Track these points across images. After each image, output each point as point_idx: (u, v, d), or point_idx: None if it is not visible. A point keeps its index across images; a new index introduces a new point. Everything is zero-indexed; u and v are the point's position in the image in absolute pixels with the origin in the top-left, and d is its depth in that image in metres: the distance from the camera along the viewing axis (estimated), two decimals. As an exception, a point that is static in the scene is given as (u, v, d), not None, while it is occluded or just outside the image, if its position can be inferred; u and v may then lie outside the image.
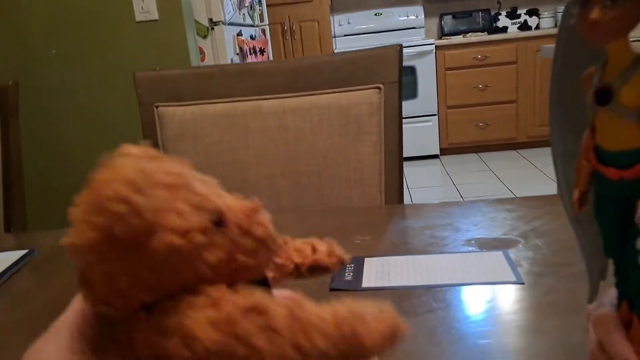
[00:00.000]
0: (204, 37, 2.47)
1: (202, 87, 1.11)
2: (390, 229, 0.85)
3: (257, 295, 0.25)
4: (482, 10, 4.58)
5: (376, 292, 0.65)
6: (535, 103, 4.26)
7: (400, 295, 0.64)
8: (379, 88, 1.00)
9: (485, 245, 0.74)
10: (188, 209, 0.24)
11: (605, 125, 0.35)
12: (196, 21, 2.44)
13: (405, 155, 4.07)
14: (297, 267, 0.34)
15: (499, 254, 0.69)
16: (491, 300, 0.61)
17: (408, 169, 4.16)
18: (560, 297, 0.59)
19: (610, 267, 0.41)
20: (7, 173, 1.16)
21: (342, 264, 0.35)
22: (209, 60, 2.49)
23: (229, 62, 2.54)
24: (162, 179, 0.24)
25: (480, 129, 4.36)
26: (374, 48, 1.05)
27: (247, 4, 2.94)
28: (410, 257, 0.72)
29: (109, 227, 0.22)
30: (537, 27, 4.53)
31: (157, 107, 1.09)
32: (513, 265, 0.66)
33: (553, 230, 0.75)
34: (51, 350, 0.26)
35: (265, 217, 0.28)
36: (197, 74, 1.13)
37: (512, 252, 0.70)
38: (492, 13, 4.59)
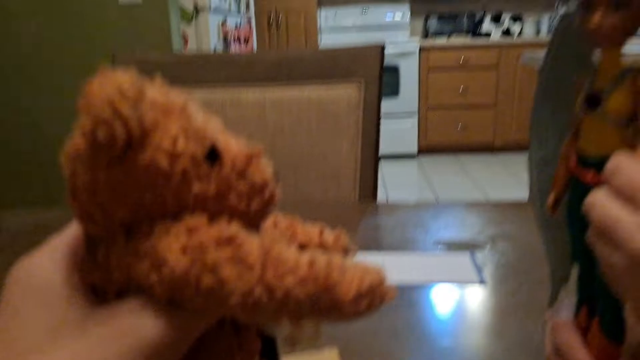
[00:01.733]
0: (188, 22, 2.44)
1: (181, 74, 1.10)
2: (362, 226, 0.86)
3: (234, 228, 0.24)
4: (467, 14, 4.62)
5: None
6: (513, 109, 4.33)
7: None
8: (359, 84, 1.01)
9: (453, 246, 0.75)
10: (180, 134, 0.24)
11: (590, 130, 0.36)
12: (180, 7, 2.41)
13: (384, 153, 4.07)
14: (300, 247, 0.33)
15: (465, 256, 0.71)
16: (455, 300, 0.63)
17: (386, 167, 4.19)
18: (521, 300, 0.61)
19: (573, 273, 0.42)
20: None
21: (346, 253, 0.33)
22: (191, 47, 2.46)
23: (212, 49, 2.52)
24: (158, 98, 0.24)
25: (459, 130, 4.41)
26: (357, 46, 1.05)
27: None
28: (379, 254, 0.73)
29: (93, 132, 0.21)
30: (520, 34, 4.60)
31: (135, 91, 1.08)
32: (478, 267, 0.68)
33: (520, 236, 0.77)
34: (45, 263, 0.25)
35: (265, 164, 0.27)
36: (177, 59, 1.12)
37: (479, 255, 0.71)
38: (477, 17, 4.63)
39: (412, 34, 4.74)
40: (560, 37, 0.39)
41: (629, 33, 0.32)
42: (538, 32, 4.71)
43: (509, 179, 3.75)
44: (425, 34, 4.71)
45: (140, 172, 0.23)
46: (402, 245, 0.77)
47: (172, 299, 0.23)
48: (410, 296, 0.63)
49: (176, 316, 0.24)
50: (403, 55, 4.23)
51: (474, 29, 4.61)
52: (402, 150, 4.39)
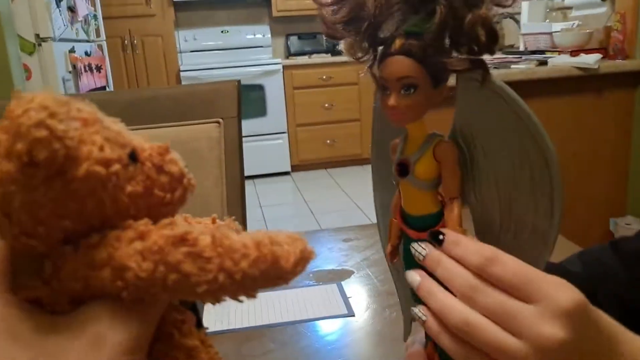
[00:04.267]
0: (30, 54, 2.25)
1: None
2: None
3: (180, 226, 0.26)
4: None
5: (216, 335, 0.64)
6: (375, 120, 4.59)
7: (240, 338, 0.64)
8: (218, 123, 1.01)
9: (322, 277, 0.78)
10: (104, 142, 0.25)
11: (406, 193, 0.39)
12: (20, 36, 2.21)
13: (257, 172, 4.07)
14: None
15: (333, 287, 0.73)
16: (325, 335, 0.64)
17: (260, 186, 4.20)
18: (385, 326, 0.64)
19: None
20: None
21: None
22: (35, 79, 2.27)
23: (60, 80, 2.34)
24: (76, 113, 0.25)
25: (328, 146, 4.57)
26: (214, 82, 1.05)
27: (80, 18, 2.74)
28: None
29: (29, 154, 0.22)
30: (375, 50, 4.90)
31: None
32: (345, 297, 0.71)
33: (382, 260, 0.81)
34: None
35: (177, 157, 0.30)
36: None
37: (346, 284, 0.74)
38: (335, 35, 4.86)
39: (275, 53, 4.83)
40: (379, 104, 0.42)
41: (421, 111, 0.36)
42: (390, 48, 5.04)
43: (378, 188, 3.97)
44: (288, 53, 4.82)
45: (79, 183, 0.24)
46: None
47: (137, 298, 0.25)
48: (282, 336, 0.64)
49: (141, 311, 0.26)
50: (267, 74, 4.28)
51: (333, 48, 4.82)
52: (275, 168, 4.43)
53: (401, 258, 0.42)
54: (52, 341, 0.24)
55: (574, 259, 0.56)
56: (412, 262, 0.42)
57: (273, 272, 0.26)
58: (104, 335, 0.24)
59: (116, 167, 0.25)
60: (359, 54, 0.35)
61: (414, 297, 0.44)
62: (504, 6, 0.35)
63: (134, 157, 0.27)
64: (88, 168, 0.24)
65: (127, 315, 0.25)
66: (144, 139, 0.29)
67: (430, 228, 0.37)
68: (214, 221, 0.32)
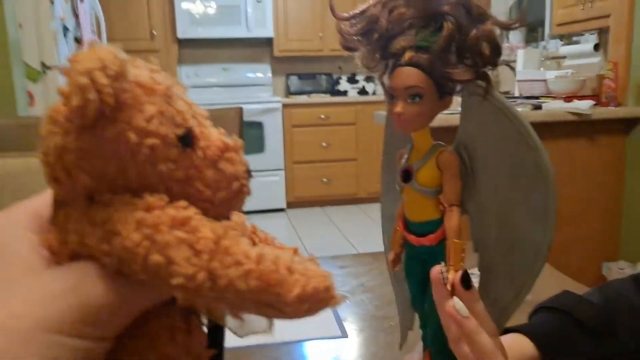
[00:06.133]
0: (34, 81, 2.28)
1: (28, 139, 1.02)
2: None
3: (191, 212, 0.24)
4: (325, 74, 4.93)
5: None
6: (373, 162, 4.63)
7: (230, 357, 0.63)
8: (216, 128, 1.02)
9: (318, 302, 0.77)
10: (157, 114, 0.24)
11: (409, 199, 0.41)
12: (26, 63, 2.25)
13: (252, 208, 4.08)
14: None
15: (327, 310, 0.73)
16: (319, 356, 0.64)
17: (256, 222, 4.16)
18: (379, 349, 0.64)
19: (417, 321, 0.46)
20: None
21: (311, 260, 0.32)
22: (38, 106, 2.30)
23: (64, 108, 2.36)
24: (143, 78, 0.24)
25: (324, 184, 4.59)
26: (217, 109, 1.07)
27: (86, 47, 2.79)
28: (245, 317, 0.72)
29: (70, 97, 0.22)
30: (374, 93, 4.99)
31: (-31, 157, 0.98)
32: (339, 319, 0.70)
33: (377, 286, 0.82)
34: (5, 222, 0.26)
35: (240, 158, 0.27)
36: (22, 124, 1.04)
37: (340, 308, 0.74)
38: (334, 77, 4.96)
39: (275, 92, 4.91)
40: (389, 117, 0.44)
41: (427, 118, 0.38)
42: (388, 91, 5.13)
43: (373, 228, 3.96)
44: (287, 92, 4.91)
45: (107, 143, 0.23)
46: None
47: (118, 269, 0.24)
48: (275, 355, 0.63)
49: (122, 285, 0.24)
50: (266, 111, 4.34)
51: (332, 88, 4.91)
52: (271, 205, 4.44)
53: (402, 266, 0.43)
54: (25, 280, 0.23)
55: (595, 290, 0.57)
56: (413, 270, 0.43)
57: (266, 295, 0.23)
58: (75, 285, 0.23)
59: (153, 141, 0.24)
60: (372, 64, 0.37)
61: (412, 305, 0.45)
62: (508, 28, 0.37)
63: (186, 140, 0.25)
64: (120, 131, 0.23)
65: (104, 281, 0.23)
66: (219, 132, 0.27)
67: (430, 234, 0.39)
68: (295, 252, 0.28)
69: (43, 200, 0.27)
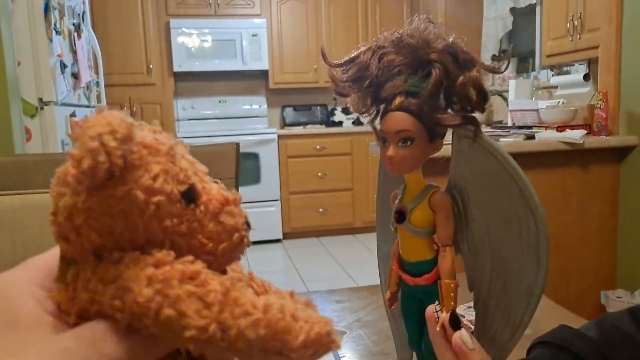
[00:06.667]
0: (32, 116, 2.30)
1: (24, 176, 1.03)
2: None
3: (198, 266, 0.25)
4: (320, 105, 4.98)
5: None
6: (368, 191, 4.64)
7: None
8: (216, 183, 1.03)
9: (315, 338, 0.77)
10: (161, 173, 0.25)
11: (403, 239, 0.41)
12: (23, 100, 2.27)
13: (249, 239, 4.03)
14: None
15: (326, 347, 0.73)
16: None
17: (252, 253, 4.16)
18: (378, 387, 0.63)
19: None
20: None
21: (307, 305, 0.33)
22: (35, 141, 2.31)
23: (59, 143, 2.38)
24: (147, 139, 0.26)
25: (320, 214, 4.59)
26: (212, 145, 1.08)
27: (83, 84, 2.83)
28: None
29: (80, 160, 0.23)
30: (368, 123, 5.04)
31: (-34, 196, 0.98)
32: (338, 357, 0.70)
33: (375, 321, 0.82)
34: (14, 279, 0.26)
35: (239, 211, 0.29)
36: (19, 161, 1.05)
37: (339, 344, 0.74)
38: (329, 108, 5.01)
39: (270, 123, 4.95)
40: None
41: (418, 161, 0.39)
42: (383, 121, 5.19)
43: (370, 258, 3.94)
44: (283, 124, 4.95)
45: (116, 202, 0.25)
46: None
47: (130, 325, 0.24)
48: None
49: (135, 340, 0.25)
50: (262, 143, 4.38)
51: (327, 119, 4.96)
52: (267, 235, 4.42)
53: (399, 305, 0.43)
54: (40, 337, 0.24)
55: (591, 324, 0.57)
56: (410, 309, 0.43)
57: (274, 343, 0.24)
58: (91, 342, 0.24)
59: (159, 198, 0.25)
60: (363, 109, 0.39)
61: (409, 345, 0.45)
62: (495, 73, 0.39)
63: (189, 196, 0.27)
64: (129, 190, 0.25)
65: (119, 338, 0.24)
66: (219, 187, 0.29)
67: (425, 273, 0.39)
68: (291, 296, 0.30)
69: (52, 258, 0.27)
